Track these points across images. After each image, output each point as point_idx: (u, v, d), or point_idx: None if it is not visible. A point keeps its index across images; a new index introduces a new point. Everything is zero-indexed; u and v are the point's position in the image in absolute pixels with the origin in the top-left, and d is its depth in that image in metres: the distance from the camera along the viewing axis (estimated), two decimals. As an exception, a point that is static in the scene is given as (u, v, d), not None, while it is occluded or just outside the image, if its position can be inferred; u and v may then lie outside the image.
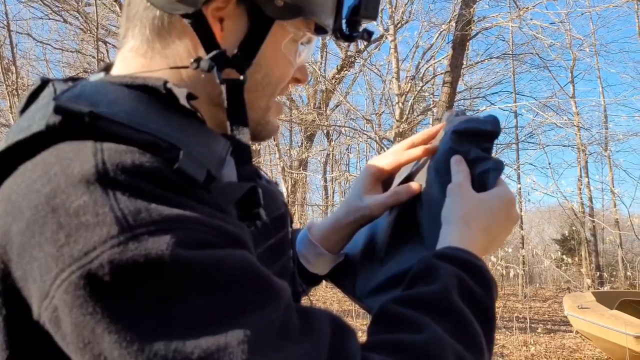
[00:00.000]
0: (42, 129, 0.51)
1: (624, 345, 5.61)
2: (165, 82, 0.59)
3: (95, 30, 7.64)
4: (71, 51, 11.35)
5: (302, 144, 13.34)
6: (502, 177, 0.79)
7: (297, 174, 12.47)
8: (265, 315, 0.49)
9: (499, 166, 0.79)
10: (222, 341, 0.45)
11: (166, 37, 0.65)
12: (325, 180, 16.46)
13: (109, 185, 0.47)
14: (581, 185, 15.31)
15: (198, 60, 0.63)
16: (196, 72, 0.64)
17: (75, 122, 0.51)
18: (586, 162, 16.46)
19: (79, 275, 0.45)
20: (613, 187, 15.82)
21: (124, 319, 0.45)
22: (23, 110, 0.60)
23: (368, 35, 0.75)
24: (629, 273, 13.70)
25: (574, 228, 18.17)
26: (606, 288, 12.28)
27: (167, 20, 0.64)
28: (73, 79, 0.62)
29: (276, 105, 0.73)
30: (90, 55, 10.47)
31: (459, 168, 0.79)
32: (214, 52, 0.63)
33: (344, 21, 0.72)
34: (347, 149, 16.88)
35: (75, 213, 0.46)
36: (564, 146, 14.96)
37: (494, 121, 0.82)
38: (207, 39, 0.63)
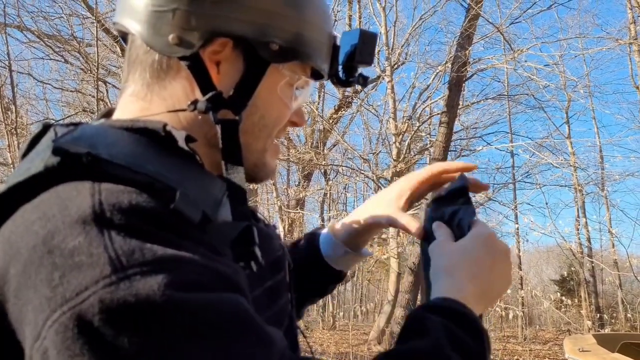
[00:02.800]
0: (41, 171, 0.52)
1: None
2: (165, 125, 0.61)
3: (96, 70, 7.74)
4: (71, 91, 11.46)
5: (299, 183, 13.35)
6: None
7: (295, 213, 12.43)
8: (256, 358, 0.48)
9: (470, 210, 0.80)
10: None
11: (164, 79, 0.67)
12: (323, 220, 16.41)
13: (104, 225, 0.48)
14: (579, 225, 15.28)
15: (195, 102, 0.64)
16: (193, 114, 0.65)
17: (74, 163, 0.52)
18: (583, 202, 16.48)
19: (69, 316, 0.44)
20: (611, 227, 15.79)
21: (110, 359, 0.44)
22: (25, 154, 0.61)
23: (363, 80, 0.77)
24: (629, 315, 13.55)
25: (572, 268, 18.05)
26: (607, 330, 12.12)
27: (165, 63, 0.66)
28: (75, 124, 0.63)
29: (274, 147, 0.74)
30: (90, 95, 10.57)
31: (438, 231, 0.80)
32: (210, 94, 0.64)
33: (340, 67, 0.74)
34: (345, 188, 16.87)
35: (70, 254, 0.46)
36: (560, 186, 15.01)
37: (461, 176, 0.86)
38: (204, 81, 0.65)
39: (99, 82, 8.43)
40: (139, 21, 0.65)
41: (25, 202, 0.52)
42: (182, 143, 0.61)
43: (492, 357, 0.67)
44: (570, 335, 9.54)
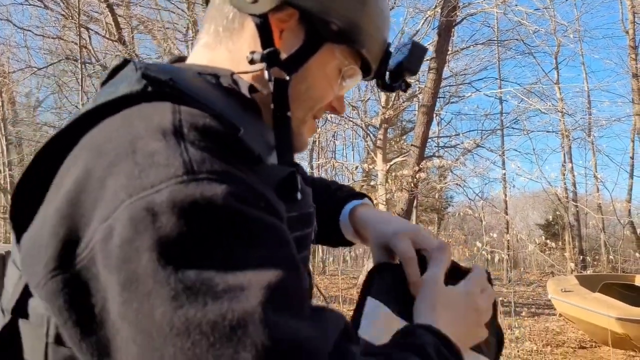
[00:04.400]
0: (127, 93, 0.59)
1: (606, 327, 5.72)
2: (232, 74, 0.71)
3: (77, 16, 7.53)
4: (52, 38, 11.17)
5: (288, 131, 13.26)
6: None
7: (283, 161, 12.42)
8: (289, 279, 0.53)
9: None
10: (246, 282, 0.50)
11: (234, 33, 0.75)
12: (312, 167, 16.48)
13: (181, 138, 0.55)
14: (565, 170, 15.46)
15: (253, 52, 0.72)
16: (253, 74, 0.74)
17: (156, 90, 0.60)
18: (570, 147, 16.65)
19: (141, 203, 0.50)
20: (596, 172, 16.01)
21: (166, 245, 0.49)
22: (104, 83, 0.69)
23: (406, 86, 0.85)
24: (611, 257, 13.91)
25: (557, 213, 18.36)
26: (589, 272, 12.46)
27: (238, 19, 0.75)
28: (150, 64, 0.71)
29: (311, 123, 0.82)
30: (72, 42, 10.33)
31: (441, 257, 0.82)
32: (268, 49, 0.71)
33: (387, 72, 0.82)
34: (333, 135, 16.85)
35: (150, 154, 0.53)
36: (548, 132, 15.11)
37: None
38: (267, 40, 0.73)
39: (81, 29, 8.22)
40: None
41: None
42: (245, 91, 0.70)
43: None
44: (553, 276, 9.82)
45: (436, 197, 18.72)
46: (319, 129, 13.98)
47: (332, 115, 12.40)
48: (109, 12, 9.32)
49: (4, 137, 12.44)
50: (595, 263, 15.29)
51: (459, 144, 13.82)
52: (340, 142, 18.80)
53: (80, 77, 8.31)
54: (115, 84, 0.63)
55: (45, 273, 0.53)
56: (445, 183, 13.58)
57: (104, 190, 0.52)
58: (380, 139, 10.71)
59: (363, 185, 14.23)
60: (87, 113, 0.59)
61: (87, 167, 0.54)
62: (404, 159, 11.04)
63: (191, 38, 9.17)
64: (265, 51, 0.71)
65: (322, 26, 0.73)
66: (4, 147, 12.53)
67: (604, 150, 16.32)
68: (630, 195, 16.54)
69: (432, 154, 13.52)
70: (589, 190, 18.16)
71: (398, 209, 9.44)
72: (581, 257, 15.29)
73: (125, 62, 0.68)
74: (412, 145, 9.85)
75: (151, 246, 0.49)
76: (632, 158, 16.62)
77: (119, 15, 9.76)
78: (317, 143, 15.78)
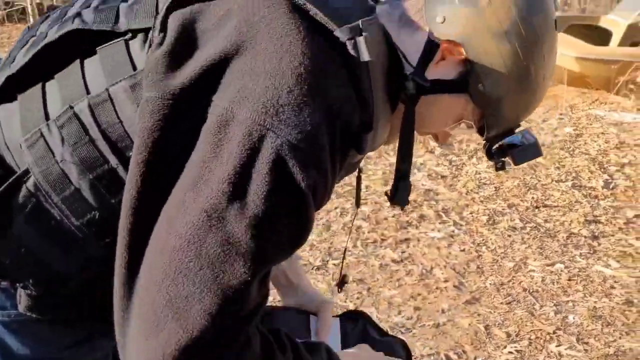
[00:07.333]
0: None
1: (564, 67, 5.91)
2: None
3: None
4: None
5: None
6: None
7: None
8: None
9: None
10: None
11: (412, 26, 0.77)
12: None
13: None
14: None
15: (405, 57, 0.77)
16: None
17: None
18: None
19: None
20: None
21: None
22: None
23: (501, 168, 0.87)
24: None
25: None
26: (557, 14, 12.46)
27: (421, 20, 0.77)
28: None
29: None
30: None
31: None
32: (420, 68, 0.76)
33: (498, 144, 0.84)
34: None
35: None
36: None
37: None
38: (427, 57, 0.76)
39: None
40: None
41: None
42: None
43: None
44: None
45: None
46: None
47: None
48: None
49: None
50: (565, 8, 15.22)
51: None
52: None
53: None
54: None
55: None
56: None
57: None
58: None
59: None
60: None
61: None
62: None
63: None
64: (414, 68, 0.75)
65: (475, 81, 0.76)
66: None
67: None
68: None
69: None
70: None
71: None
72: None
73: None
74: None
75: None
76: None
77: None
78: None
